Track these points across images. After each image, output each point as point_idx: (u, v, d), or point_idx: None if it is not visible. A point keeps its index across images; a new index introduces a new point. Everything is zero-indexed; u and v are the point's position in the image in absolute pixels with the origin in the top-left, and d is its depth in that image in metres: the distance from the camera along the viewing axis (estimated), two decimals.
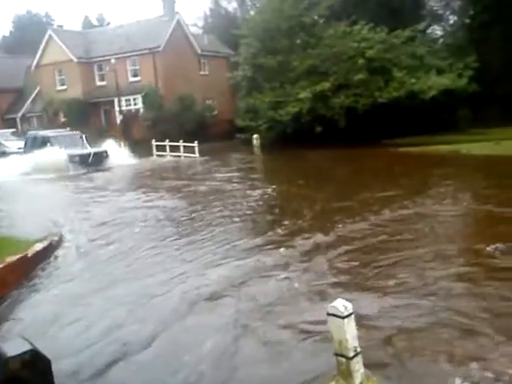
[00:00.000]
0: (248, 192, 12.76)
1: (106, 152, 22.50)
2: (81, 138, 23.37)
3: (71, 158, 21.14)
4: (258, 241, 8.09)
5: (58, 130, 24.64)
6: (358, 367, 3.71)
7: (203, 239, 8.45)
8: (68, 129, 25.79)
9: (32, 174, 19.42)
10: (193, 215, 10.45)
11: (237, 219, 9.77)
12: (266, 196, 12.10)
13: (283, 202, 11.48)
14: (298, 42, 24.73)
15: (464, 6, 26.83)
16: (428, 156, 18.16)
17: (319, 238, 7.95)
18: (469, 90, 21.24)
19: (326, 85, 22.18)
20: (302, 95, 22.36)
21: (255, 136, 24.04)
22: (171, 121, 27.38)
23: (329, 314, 3.69)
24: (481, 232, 8.33)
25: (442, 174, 14.17)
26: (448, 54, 23.43)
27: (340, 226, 8.58)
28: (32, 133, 24.41)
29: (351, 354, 3.66)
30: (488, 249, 6.80)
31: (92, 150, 21.99)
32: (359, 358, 3.72)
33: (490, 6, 23.28)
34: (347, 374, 3.70)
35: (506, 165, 14.81)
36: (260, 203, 11.31)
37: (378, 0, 24.26)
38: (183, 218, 10.23)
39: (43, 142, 21.87)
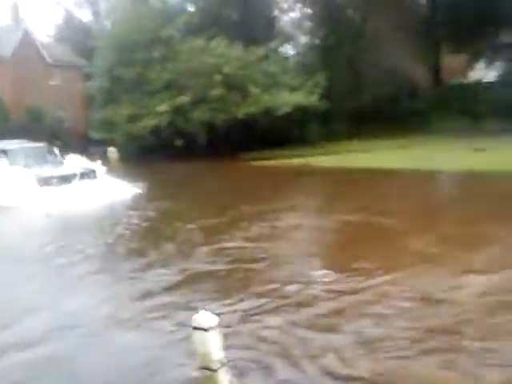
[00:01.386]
0: (104, 219, 11.88)
1: (94, 172, 15.94)
2: (50, 151, 17.18)
3: (43, 180, 14.50)
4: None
5: (15, 141, 17.75)
6: (223, 378, 3.74)
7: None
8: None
9: None
10: None
11: (91, 252, 8.81)
12: (125, 218, 11.49)
13: (139, 226, 10.88)
14: (156, 55, 24.59)
15: (314, 28, 28.69)
16: (281, 169, 19.14)
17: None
18: (319, 106, 22.69)
19: (185, 99, 22.30)
20: (161, 108, 22.23)
21: (111, 149, 23.28)
22: (18, 133, 25.44)
23: (193, 328, 3.68)
24: (332, 250, 8.56)
25: (295, 185, 15.12)
26: (299, 72, 24.83)
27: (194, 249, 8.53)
28: None
29: (216, 366, 3.67)
30: (313, 273, 6.85)
31: (78, 170, 15.35)
32: (225, 369, 3.75)
33: (337, 28, 25.28)
34: None
35: (350, 175, 16.21)
36: (117, 228, 10.61)
37: (233, 18, 25.09)
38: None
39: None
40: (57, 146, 17.93)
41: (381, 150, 19.86)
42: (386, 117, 23.70)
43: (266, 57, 23.99)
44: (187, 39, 24.32)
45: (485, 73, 28.98)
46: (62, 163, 16.56)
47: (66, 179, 14.90)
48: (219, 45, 23.13)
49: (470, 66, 29.42)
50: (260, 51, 23.52)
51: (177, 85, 23.25)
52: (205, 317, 3.68)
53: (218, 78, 22.18)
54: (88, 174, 15.58)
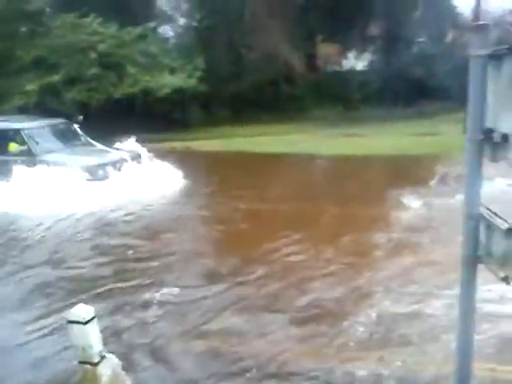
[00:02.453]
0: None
1: (139, 155, 12.52)
2: (73, 130, 13.43)
3: (91, 170, 11.10)
4: None
5: (17, 117, 13.68)
6: (104, 371, 3.61)
7: None
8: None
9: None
10: None
11: None
12: None
13: None
14: (23, 30, 22.69)
15: (191, 10, 28.33)
16: (163, 153, 18.74)
17: None
18: (199, 89, 22.53)
19: (56, 77, 20.94)
20: (29, 87, 20.65)
21: None
22: None
23: (69, 322, 3.48)
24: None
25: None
26: (179, 54, 24.40)
27: None
28: None
29: (96, 359, 3.53)
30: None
31: (126, 154, 12.10)
32: (105, 361, 3.62)
33: (215, 11, 25.11)
34: (93, 380, 3.56)
35: (228, 159, 16.40)
36: None
37: None
38: None
39: (13, 141, 11.55)
40: (77, 123, 13.89)
41: (262, 134, 20.26)
42: (266, 102, 24.23)
43: (143, 37, 23.27)
44: (59, 15, 22.82)
45: (356, 62, 30.82)
46: (93, 145, 12.97)
47: (115, 166, 11.46)
48: (93, 22, 21.99)
49: (342, 55, 31.04)
50: (137, 31, 22.76)
51: (47, 63, 21.71)
52: (81, 310, 3.48)
53: (92, 56, 21.14)
54: (135, 159, 12.26)
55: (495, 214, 2.22)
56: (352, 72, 29.82)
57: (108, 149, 12.64)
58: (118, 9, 23.52)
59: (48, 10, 23.70)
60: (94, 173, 11.03)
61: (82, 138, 13.34)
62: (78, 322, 3.42)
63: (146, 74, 21.94)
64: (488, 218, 2.23)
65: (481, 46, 2.18)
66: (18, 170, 10.79)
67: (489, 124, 2.19)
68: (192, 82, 22.31)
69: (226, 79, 24.21)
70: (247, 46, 24.58)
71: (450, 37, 28.55)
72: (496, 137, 2.12)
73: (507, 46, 2.02)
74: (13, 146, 11.59)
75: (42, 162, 11.07)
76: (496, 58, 2.12)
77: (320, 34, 29.08)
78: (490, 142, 2.18)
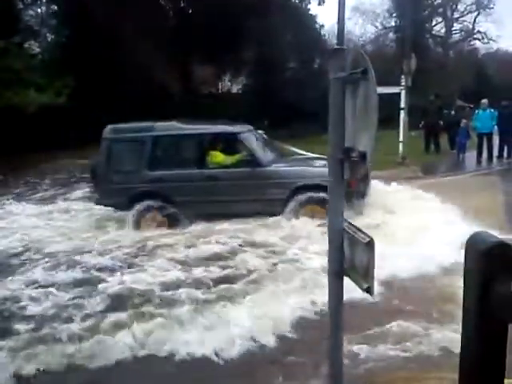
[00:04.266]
0: None
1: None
2: (263, 137, 10.17)
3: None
4: None
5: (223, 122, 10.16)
6: None
7: None
8: None
9: None
10: None
11: None
12: None
13: None
14: None
15: (59, 26, 27.15)
16: None
17: None
18: (68, 107, 21.54)
19: None
20: None
21: None
22: None
23: None
24: None
25: None
26: (47, 71, 23.22)
27: None
28: (168, 125, 9.65)
29: None
30: None
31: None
32: None
33: (84, 27, 24.18)
34: None
35: None
36: None
37: None
38: None
39: (218, 149, 8.86)
40: (263, 129, 11.36)
41: None
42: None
43: (6, 51, 21.74)
44: None
45: (231, 85, 31.60)
46: (301, 153, 10.46)
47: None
48: None
49: (218, 77, 31.63)
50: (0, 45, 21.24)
51: None
52: None
53: None
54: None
55: (358, 228, 2.33)
56: (227, 94, 30.42)
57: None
58: None
59: None
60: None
61: (279, 145, 10.70)
62: None
63: (8, 90, 20.50)
64: (351, 232, 2.33)
65: (339, 69, 2.29)
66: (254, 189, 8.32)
67: (348, 143, 2.30)
68: (61, 99, 21.29)
69: (98, 98, 23.40)
70: (119, 63, 23.91)
71: (317, 62, 30.43)
72: (354, 155, 2.24)
73: (361, 70, 2.15)
74: (218, 156, 8.80)
75: (273, 174, 8.47)
76: (352, 80, 2.25)
77: (195, 55, 29.30)
78: (349, 161, 2.29)
